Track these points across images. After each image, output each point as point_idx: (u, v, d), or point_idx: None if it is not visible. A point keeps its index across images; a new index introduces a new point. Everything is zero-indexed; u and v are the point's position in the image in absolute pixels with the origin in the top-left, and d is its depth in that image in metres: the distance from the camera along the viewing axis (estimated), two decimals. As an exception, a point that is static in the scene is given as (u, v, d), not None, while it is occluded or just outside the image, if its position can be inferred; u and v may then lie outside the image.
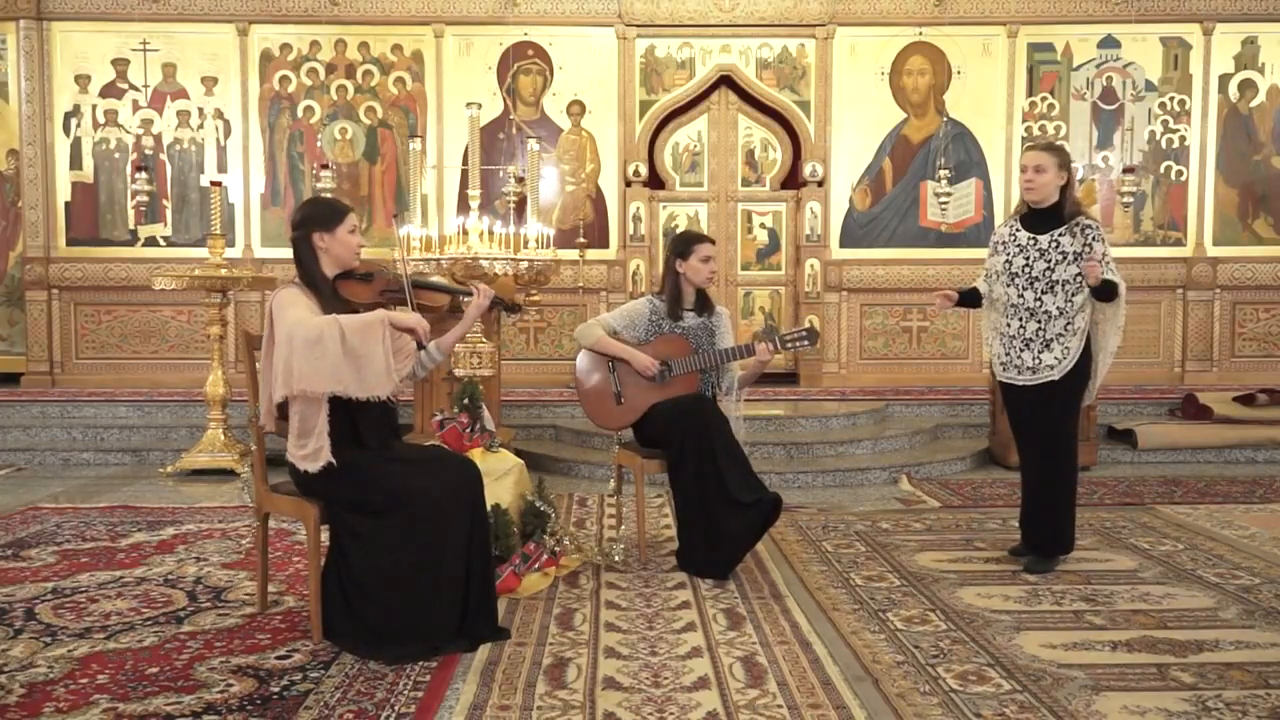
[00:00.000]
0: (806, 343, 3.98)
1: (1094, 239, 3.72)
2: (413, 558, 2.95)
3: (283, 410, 3.05)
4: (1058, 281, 3.74)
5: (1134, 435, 6.66)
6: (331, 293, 3.09)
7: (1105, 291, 3.70)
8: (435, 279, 3.24)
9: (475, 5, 7.88)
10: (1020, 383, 3.85)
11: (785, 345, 3.96)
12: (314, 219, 3.11)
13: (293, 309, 2.96)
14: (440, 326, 3.50)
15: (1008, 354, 3.88)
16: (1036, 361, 3.79)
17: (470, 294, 3.35)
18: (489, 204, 6.97)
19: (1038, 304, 3.77)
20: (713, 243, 4.19)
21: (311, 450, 2.97)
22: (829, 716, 2.54)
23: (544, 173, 7.60)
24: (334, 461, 2.98)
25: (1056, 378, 3.76)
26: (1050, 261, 3.75)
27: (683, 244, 4.14)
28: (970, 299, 4.04)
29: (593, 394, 4.09)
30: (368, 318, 2.99)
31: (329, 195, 3.33)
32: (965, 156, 8.01)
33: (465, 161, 6.58)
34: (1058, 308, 3.74)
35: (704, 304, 4.17)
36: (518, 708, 2.60)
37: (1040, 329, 3.78)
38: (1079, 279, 3.71)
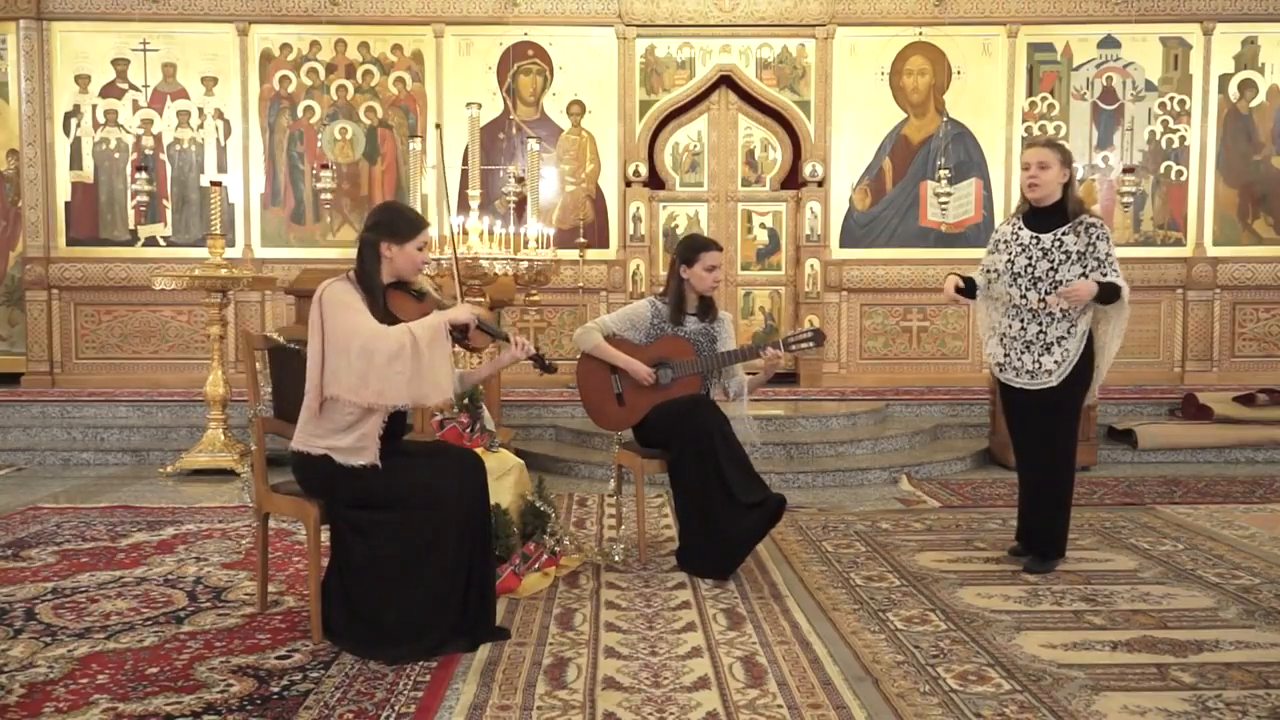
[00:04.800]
0: (812, 344, 3.96)
1: (1098, 238, 3.67)
2: (414, 552, 2.95)
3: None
4: (1061, 282, 3.68)
5: (1134, 435, 6.66)
6: (381, 301, 3.05)
7: (1105, 295, 3.65)
8: (485, 321, 3.19)
9: (475, 5, 7.88)
10: (1019, 385, 3.82)
11: (790, 347, 3.94)
12: (387, 227, 3.06)
13: (357, 313, 2.93)
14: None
15: (1007, 355, 3.84)
16: (1036, 365, 3.75)
17: (507, 339, 3.28)
18: (489, 204, 6.96)
19: (1041, 305, 3.72)
20: (720, 249, 4.13)
21: (351, 445, 2.96)
22: (829, 716, 2.54)
23: (544, 173, 7.60)
24: (379, 464, 2.98)
25: (1055, 384, 3.72)
26: (1054, 261, 3.70)
27: (688, 250, 4.09)
28: (969, 290, 3.97)
29: (594, 395, 4.09)
30: (432, 324, 2.96)
31: (408, 206, 3.31)
32: (965, 156, 8.01)
33: (465, 161, 6.58)
34: (1061, 309, 3.69)
35: (707, 309, 4.15)
36: (518, 708, 2.60)
37: (1041, 331, 3.74)
38: (1082, 279, 3.66)
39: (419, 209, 5.72)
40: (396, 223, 3.08)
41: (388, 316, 3.02)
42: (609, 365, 4.05)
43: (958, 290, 3.91)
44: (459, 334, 3.09)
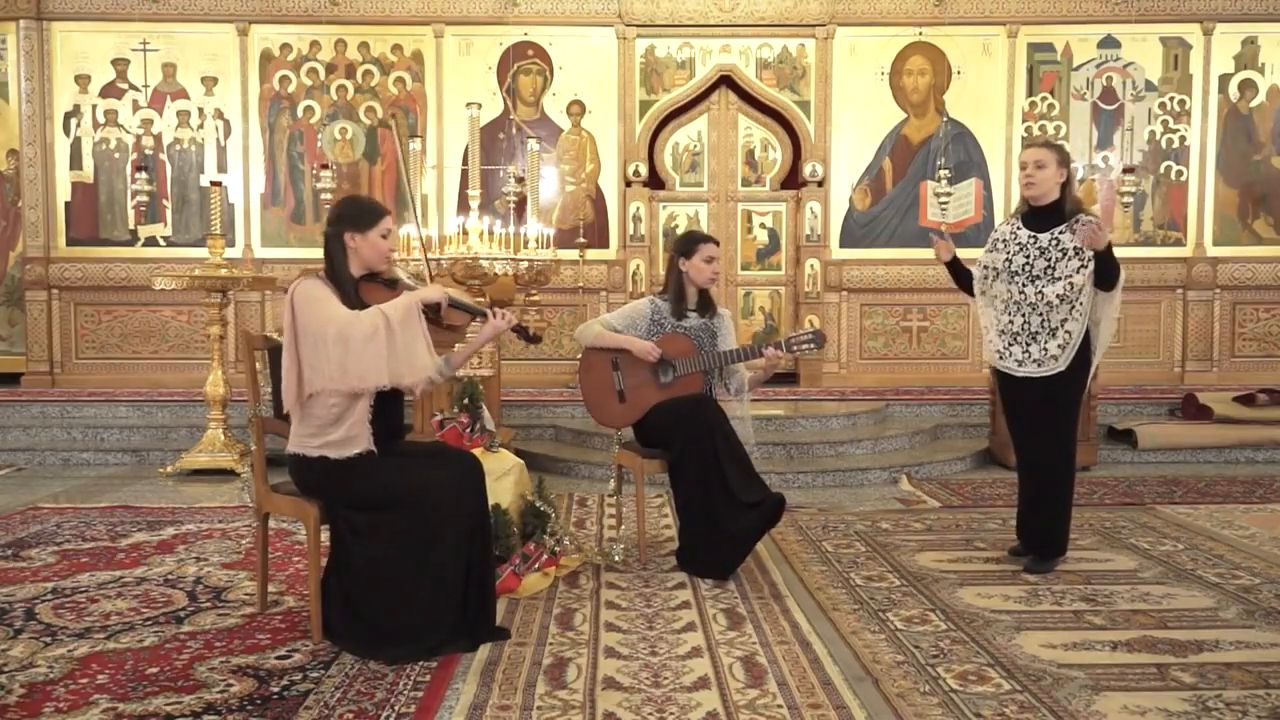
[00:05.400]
0: (813, 346, 3.97)
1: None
2: (413, 553, 2.95)
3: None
4: (1059, 278, 3.71)
5: (1134, 435, 6.66)
6: (354, 293, 3.06)
7: (1108, 272, 3.66)
8: (459, 298, 3.21)
9: (475, 5, 7.88)
10: (1022, 375, 3.82)
11: (791, 348, 3.95)
12: (348, 218, 3.09)
13: (328, 304, 2.95)
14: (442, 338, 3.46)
15: (1009, 348, 3.86)
16: (1043, 352, 3.76)
17: (485, 314, 3.28)
18: (489, 204, 6.96)
19: (1039, 297, 3.74)
20: (716, 243, 4.18)
21: (343, 437, 2.98)
22: (829, 716, 2.54)
23: (544, 173, 7.60)
24: (374, 450, 3.00)
25: (1063, 368, 3.73)
26: (1050, 260, 3.73)
27: (686, 243, 4.14)
28: (962, 275, 4.01)
29: (596, 392, 4.09)
30: (403, 304, 2.98)
31: (367, 197, 3.39)
32: (965, 156, 8.00)
33: (465, 161, 6.58)
34: (1058, 295, 3.71)
35: (706, 305, 4.17)
36: (518, 708, 2.60)
37: (1044, 320, 3.76)
38: (1080, 273, 3.67)
39: (419, 209, 5.73)
40: (357, 213, 3.10)
41: (362, 308, 3.02)
42: (611, 362, 4.06)
43: (952, 264, 4.00)
44: (433, 314, 3.11)
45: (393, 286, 3.13)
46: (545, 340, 8.02)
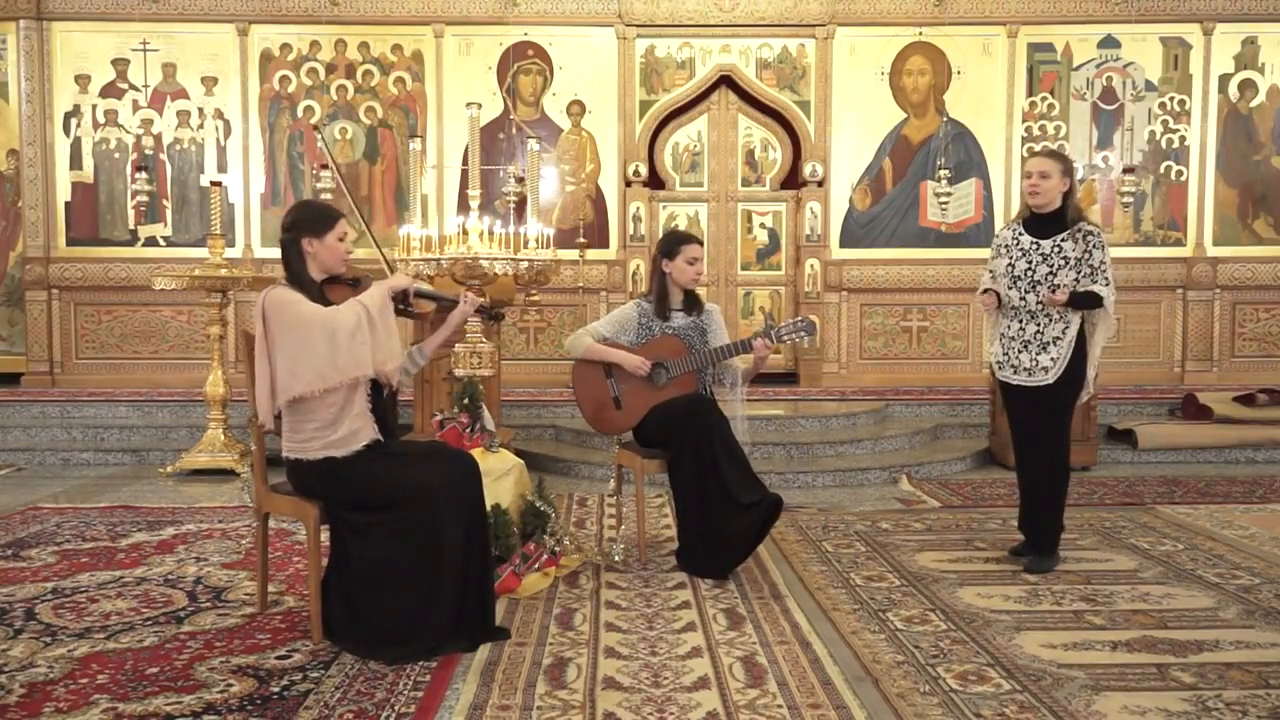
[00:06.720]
0: (804, 334, 3.97)
1: (1094, 245, 3.79)
2: (412, 553, 2.96)
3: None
4: (1059, 286, 3.79)
5: (1134, 435, 6.66)
6: (319, 296, 3.09)
7: (1087, 302, 3.77)
8: (423, 286, 3.27)
9: (475, 5, 7.88)
10: (1016, 383, 3.91)
11: (781, 338, 3.95)
12: (303, 223, 3.13)
13: (305, 304, 2.99)
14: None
15: (1006, 354, 3.95)
16: (1034, 363, 3.85)
17: (457, 302, 3.40)
18: (489, 204, 6.96)
19: (1039, 307, 3.84)
20: (700, 244, 4.18)
21: (345, 434, 3.01)
22: (829, 716, 2.54)
23: (544, 173, 7.60)
24: (381, 439, 3.04)
25: (1051, 380, 3.82)
26: (1053, 266, 3.81)
27: (669, 244, 4.14)
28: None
29: (591, 401, 4.09)
30: (377, 294, 3.06)
31: (321, 200, 3.52)
32: (965, 156, 8.00)
33: (465, 161, 6.57)
34: (1057, 311, 3.81)
35: (693, 303, 4.17)
36: (518, 708, 2.61)
37: (1039, 331, 3.85)
38: (1078, 284, 3.78)
39: (419, 209, 5.72)
40: (313, 218, 3.15)
41: None
42: (604, 370, 4.05)
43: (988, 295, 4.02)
44: (402, 302, 3.18)
45: (356, 286, 3.18)
46: (545, 340, 8.04)
